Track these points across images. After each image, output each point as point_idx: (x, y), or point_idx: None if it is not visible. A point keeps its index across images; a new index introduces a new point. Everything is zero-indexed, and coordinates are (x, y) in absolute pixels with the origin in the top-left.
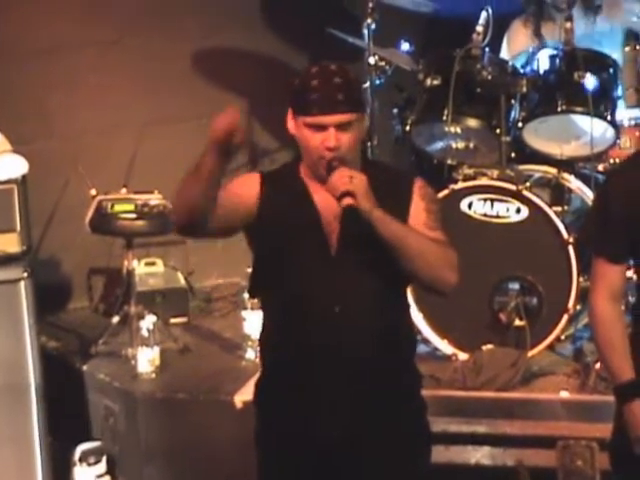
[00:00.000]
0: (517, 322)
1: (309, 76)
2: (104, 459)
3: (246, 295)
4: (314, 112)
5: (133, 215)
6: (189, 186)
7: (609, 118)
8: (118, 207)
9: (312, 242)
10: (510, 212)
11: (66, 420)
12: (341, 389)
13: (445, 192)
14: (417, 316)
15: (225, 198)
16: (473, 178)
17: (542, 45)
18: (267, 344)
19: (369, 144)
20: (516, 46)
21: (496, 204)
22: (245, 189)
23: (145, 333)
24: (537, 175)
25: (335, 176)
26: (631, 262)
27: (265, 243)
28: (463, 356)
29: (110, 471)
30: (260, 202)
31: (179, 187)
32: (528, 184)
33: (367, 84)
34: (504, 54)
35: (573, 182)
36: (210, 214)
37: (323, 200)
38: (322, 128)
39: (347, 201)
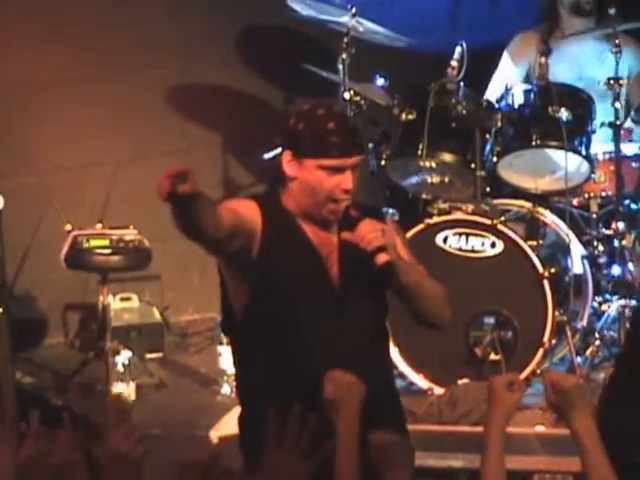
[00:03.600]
0: (493, 356)
1: (320, 119)
2: None
3: None
4: (334, 155)
5: (108, 250)
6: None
7: (584, 152)
8: (93, 242)
9: (317, 281)
10: (485, 246)
11: None
12: None
13: (420, 226)
14: (393, 350)
15: (230, 215)
16: (448, 212)
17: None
18: (255, 381)
19: None
20: (522, 55)
21: (471, 238)
22: (249, 213)
23: (120, 368)
24: (512, 209)
25: (365, 228)
26: None
27: (265, 284)
28: (439, 390)
29: None
30: (262, 233)
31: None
32: (503, 218)
33: None
34: (503, 69)
35: (548, 216)
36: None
37: (316, 237)
38: (339, 170)
39: (384, 258)
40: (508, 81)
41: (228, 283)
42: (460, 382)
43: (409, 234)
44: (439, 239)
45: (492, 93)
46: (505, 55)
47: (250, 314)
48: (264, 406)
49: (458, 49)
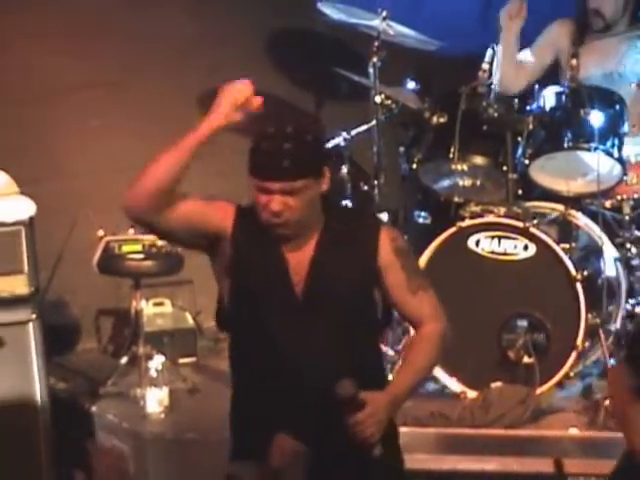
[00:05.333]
0: (526, 359)
1: (262, 136)
2: None
3: None
4: (259, 176)
5: (141, 255)
6: (167, 155)
7: (616, 155)
8: (126, 248)
9: (279, 290)
10: (518, 249)
11: (75, 462)
12: (305, 430)
13: (452, 230)
14: None
15: (194, 208)
16: (480, 215)
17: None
18: (236, 372)
19: (376, 182)
20: (551, 42)
21: (503, 241)
22: (218, 214)
23: (154, 373)
24: (544, 212)
25: (365, 422)
26: None
27: (233, 283)
28: (472, 394)
29: None
30: (232, 238)
31: (154, 159)
32: (535, 221)
33: (373, 122)
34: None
35: (581, 219)
36: (169, 199)
37: (291, 252)
38: (267, 192)
39: (378, 451)
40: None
41: (216, 278)
42: (493, 385)
43: (441, 238)
44: (471, 242)
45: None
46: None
47: (227, 312)
48: (245, 394)
49: (489, 52)
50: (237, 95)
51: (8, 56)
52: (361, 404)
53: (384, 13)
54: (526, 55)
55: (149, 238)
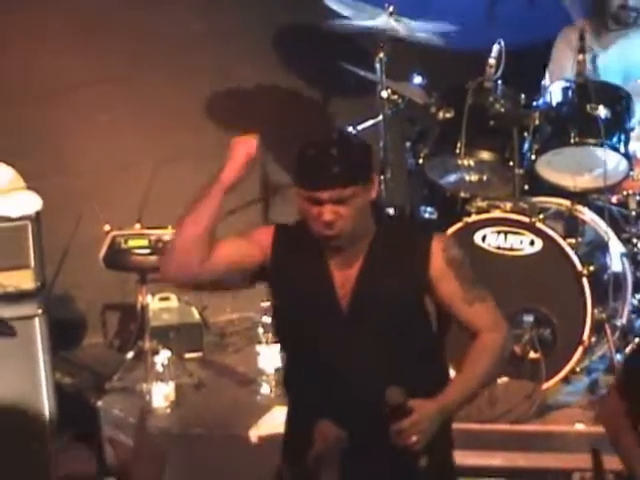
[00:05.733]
0: (532, 354)
1: (309, 147)
2: None
3: (260, 330)
4: (308, 186)
5: (147, 250)
6: (196, 213)
7: (622, 150)
8: (132, 242)
9: (324, 304)
10: (524, 244)
11: (81, 456)
12: (354, 442)
13: (459, 225)
14: None
15: (232, 250)
16: (486, 211)
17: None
18: (290, 387)
19: (382, 177)
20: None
21: (510, 237)
22: (257, 245)
23: (160, 368)
24: (551, 207)
25: (411, 429)
26: None
27: (277, 299)
28: None
29: None
30: (271, 260)
31: (182, 219)
32: (542, 216)
33: (380, 117)
34: (555, 65)
35: (587, 214)
36: (207, 253)
37: (336, 263)
38: (317, 202)
39: (424, 462)
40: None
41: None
42: (499, 380)
43: (447, 233)
44: (478, 237)
45: (551, 81)
46: (557, 46)
47: (277, 329)
48: (299, 408)
49: (496, 47)
50: (249, 150)
51: (9, 55)
52: (408, 412)
53: (391, 8)
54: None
55: (155, 233)
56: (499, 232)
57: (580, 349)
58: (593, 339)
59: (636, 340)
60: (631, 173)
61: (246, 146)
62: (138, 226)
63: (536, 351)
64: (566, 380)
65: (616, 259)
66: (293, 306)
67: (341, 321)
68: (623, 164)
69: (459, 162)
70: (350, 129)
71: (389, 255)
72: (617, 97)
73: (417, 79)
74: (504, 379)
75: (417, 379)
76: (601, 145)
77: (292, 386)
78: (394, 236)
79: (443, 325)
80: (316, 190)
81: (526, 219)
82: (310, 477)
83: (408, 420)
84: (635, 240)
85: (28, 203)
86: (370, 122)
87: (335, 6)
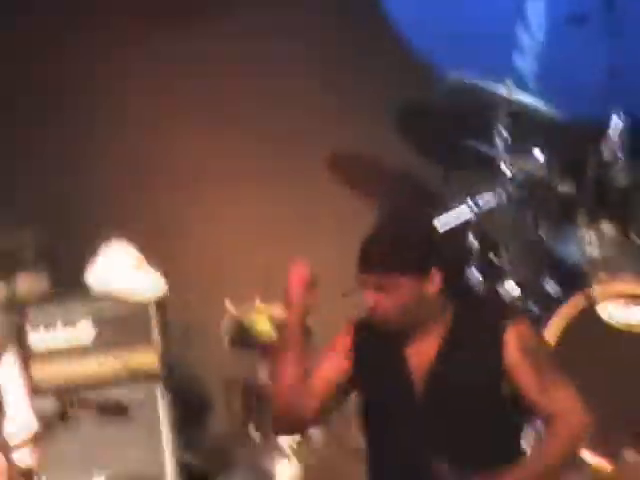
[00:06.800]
0: None
1: (374, 228)
2: None
3: None
4: (357, 267)
5: (269, 328)
6: (286, 365)
7: None
8: (257, 322)
9: (399, 389)
10: None
11: None
12: None
13: (581, 298)
14: None
15: (325, 376)
16: (610, 283)
17: None
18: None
19: (503, 251)
20: None
21: (637, 309)
22: (341, 355)
23: (284, 447)
24: None
25: None
26: None
27: (358, 393)
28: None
29: None
30: (353, 355)
31: (275, 380)
32: None
33: (500, 191)
34: None
35: None
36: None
37: (412, 347)
38: (364, 285)
39: None
40: None
41: None
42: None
43: (570, 307)
44: (602, 311)
45: None
46: None
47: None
48: None
49: (615, 119)
50: (302, 276)
51: (152, 137)
52: None
53: (509, 83)
54: None
55: (277, 309)
56: (624, 305)
57: None
58: None
59: None
60: None
61: (298, 274)
62: (258, 302)
63: None
64: None
65: None
66: (368, 393)
67: (415, 404)
68: None
69: (581, 235)
70: (469, 204)
71: (465, 340)
72: None
73: (537, 152)
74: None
75: (491, 463)
76: None
77: (370, 471)
78: (472, 320)
79: (521, 414)
80: (359, 272)
81: None
82: None
83: None
84: None
85: (152, 283)
86: (490, 195)
87: (455, 81)
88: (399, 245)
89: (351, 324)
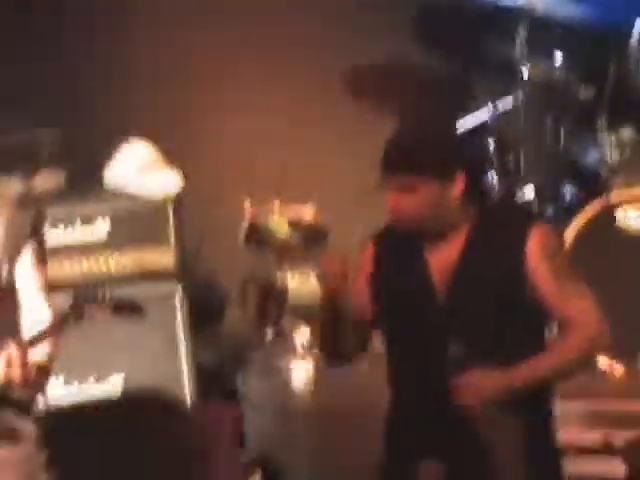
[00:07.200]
0: None
1: (396, 129)
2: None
3: None
4: (380, 169)
5: (286, 229)
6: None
7: None
8: (272, 221)
9: (420, 294)
10: None
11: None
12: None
13: (599, 203)
14: None
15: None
16: (629, 188)
17: None
18: (390, 384)
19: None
20: None
21: None
22: (363, 265)
23: (300, 346)
24: None
25: (462, 388)
26: None
27: (376, 295)
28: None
29: None
30: (374, 262)
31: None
32: None
33: (520, 94)
34: None
35: None
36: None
37: (432, 251)
38: (387, 187)
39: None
40: None
41: None
42: None
43: (588, 212)
44: (620, 216)
45: None
46: None
47: (374, 322)
48: (399, 405)
49: (638, 23)
50: (338, 270)
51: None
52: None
53: None
54: None
55: (294, 210)
56: None
57: None
58: None
59: None
60: None
61: (332, 268)
62: (277, 202)
63: None
64: None
65: None
66: (389, 297)
67: (437, 308)
68: None
69: (600, 140)
70: (489, 107)
71: (486, 245)
72: None
73: (558, 56)
74: None
75: (513, 361)
76: None
77: (394, 378)
78: (494, 224)
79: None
80: (383, 175)
81: None
82: None
83: (462, 377)
84: None
85: (169, 182)
86: (510, 99)
87: None
88: (423, 147)
89: (369, 240)
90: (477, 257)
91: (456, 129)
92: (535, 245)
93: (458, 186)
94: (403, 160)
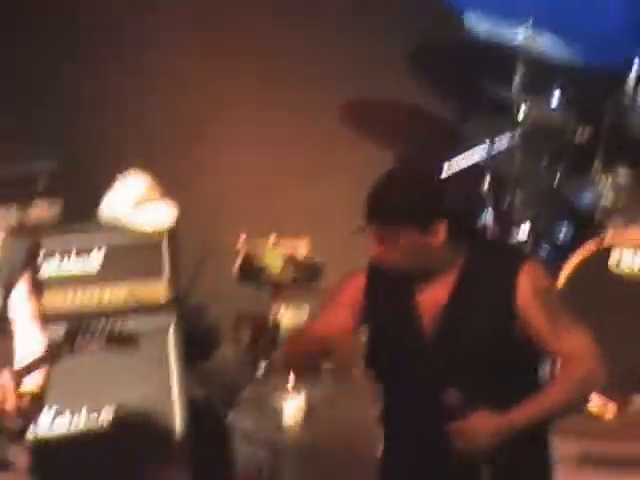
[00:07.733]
0: None
1: (380, 176)
2: None
3: None
4: (363, 218)
5: (281, 264)
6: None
7: None
8: (267, 256)
9: (408, 333)
10: None
11: (211, 469)
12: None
13: (593, 244)
14: None
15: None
16: (624, 229)
17: None
18: (384, 420)
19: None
20: None
21: None
22: (346, 311)
23: (291, 382)
24: None
25: (459, 434)
26: None
27: (368, 333)
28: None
29: None
30: (365, 299)
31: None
32: None
33: (516, 135)
34: None
35: None
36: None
37: (423, 291)
38: (370, 234)
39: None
40: None
41: None
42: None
43: (582, 253)
44: (613, 259)
45: None
46: None
47: (367, 361)
48: (392, 441)
49: (635, 65)
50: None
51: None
52: (464, 417)
53: (530, 22)
54: None
55: (290, 245)
56: (637, 252)
57: None
58: None
59: None
60: None
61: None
62: (273, 237)
63: None
64: None
65: None
66: (378, 335)
67: (425, 350)
68: None
69: (596, 181)
70: (485, 146)
71: (476, 284)
72: None
73: (555, 96)
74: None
75: (505, 403)
76: None
77: (386, 419)
78: (485, 263)
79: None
80: (366, 222)
81: None
82: None
83: (459, 423)
84: None
85: (164, 214)
86: (506, 139)
87: (474, 22)
88: (402, 198)
89: (360, 271)
90: (467, 297)
91: (440, 176)
92: (526, 282)
93: (440, 234)
94: (382, 211)
